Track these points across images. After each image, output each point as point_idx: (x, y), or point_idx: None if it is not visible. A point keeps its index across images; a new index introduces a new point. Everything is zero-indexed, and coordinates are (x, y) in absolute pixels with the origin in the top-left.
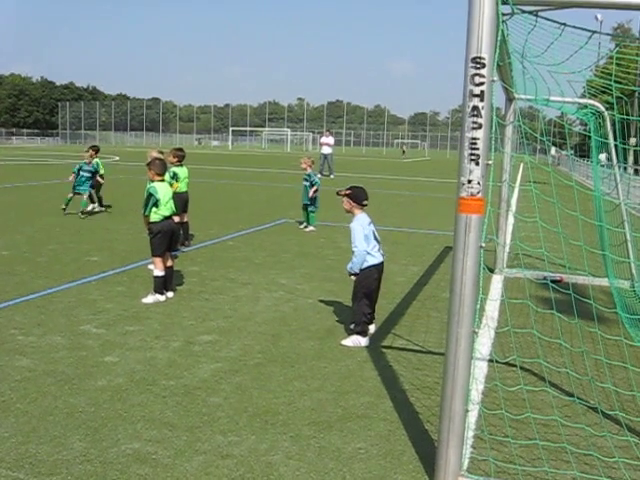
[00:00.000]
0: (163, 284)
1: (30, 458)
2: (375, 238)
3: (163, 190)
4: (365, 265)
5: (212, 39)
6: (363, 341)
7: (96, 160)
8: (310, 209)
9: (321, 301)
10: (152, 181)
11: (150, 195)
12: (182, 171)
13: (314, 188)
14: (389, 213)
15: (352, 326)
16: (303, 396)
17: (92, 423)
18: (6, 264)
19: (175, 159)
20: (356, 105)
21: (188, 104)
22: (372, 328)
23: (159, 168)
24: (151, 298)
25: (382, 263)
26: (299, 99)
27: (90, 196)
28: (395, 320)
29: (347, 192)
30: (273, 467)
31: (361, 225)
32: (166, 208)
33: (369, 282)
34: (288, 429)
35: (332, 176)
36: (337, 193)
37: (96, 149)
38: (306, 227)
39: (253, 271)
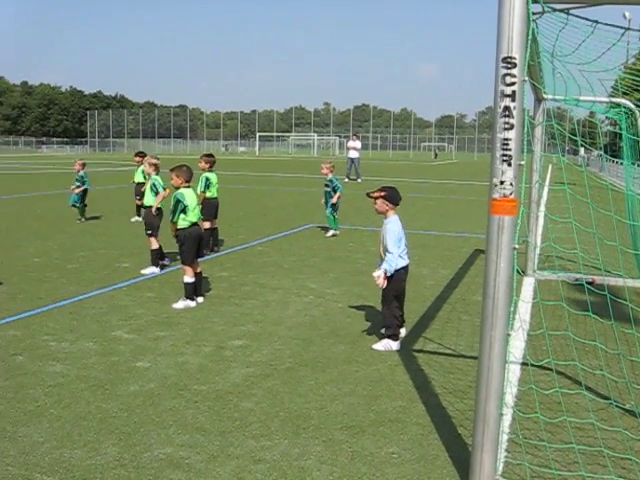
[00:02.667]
0: (193, 290)
1: (64, 463)
2: (405, 242)
3: (191, 196)
4: (400, 266)
5: (238, 45)
6: (394, 345)
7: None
8: (331, 213)
9: (351, 305)
10: (178, 188)
11: (178, 202)
12: (213, 177)
13: (337, 194)
14: (418, 216)
15: (383, 330)
16: (335, 400)
17: (125, 428)
18: (38, 271)
19: (207, 165)
20: (382, 109)
21: (215, 110)
22: (403, 332)
23: (186, 175)
24: (182, 304)
25: (408, 266)
26: (325, 104)
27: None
28: (426, 324)
29: (382, 194)
30: (306, 472)
31: (398, 227)
32: (194, 214)
33: (399, 285)
34: (320, 433)
35: (359, 180)
36: (368, 195)
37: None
38: (327, 232)
39: (282, 276)
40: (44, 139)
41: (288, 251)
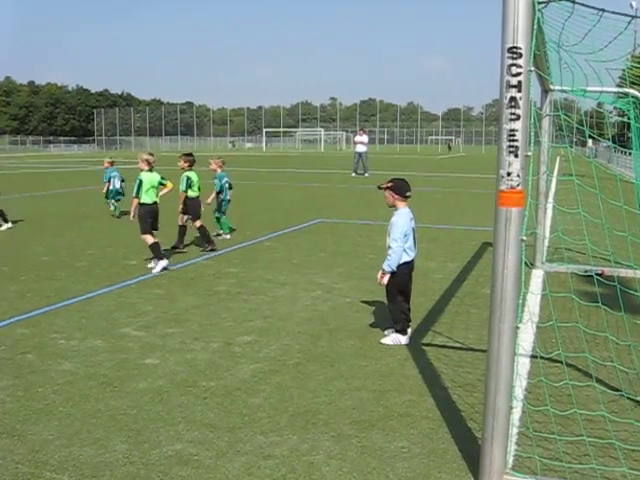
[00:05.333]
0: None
1: (74, 460)
2: (413, 236)
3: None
4: (403, 261)
5: (243, 41)
6: (403, 339)
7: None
8: (216, 215)
9: (359, 300)
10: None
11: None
12: (194, 175)
13: (212, 195)
14: (426, 210)
15: (394, 326)
16: (344, 395)
17: (134, 425)
18: (47, 269)
19: (187, 164)
20: (389, 103)
21: (221, 107)
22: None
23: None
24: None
25: (413, 260)
26: (332, 99)
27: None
28: (434, 317)
29: (388, 185)
30: (315, 467)
31: (403, 220)
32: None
33: (401, 280)
34: (329, 429)
35: (367, 174)
36: (379, 187)
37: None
38: (219, 235)
39: (291, 271)
40: (51, 138)
41: (296, 246)
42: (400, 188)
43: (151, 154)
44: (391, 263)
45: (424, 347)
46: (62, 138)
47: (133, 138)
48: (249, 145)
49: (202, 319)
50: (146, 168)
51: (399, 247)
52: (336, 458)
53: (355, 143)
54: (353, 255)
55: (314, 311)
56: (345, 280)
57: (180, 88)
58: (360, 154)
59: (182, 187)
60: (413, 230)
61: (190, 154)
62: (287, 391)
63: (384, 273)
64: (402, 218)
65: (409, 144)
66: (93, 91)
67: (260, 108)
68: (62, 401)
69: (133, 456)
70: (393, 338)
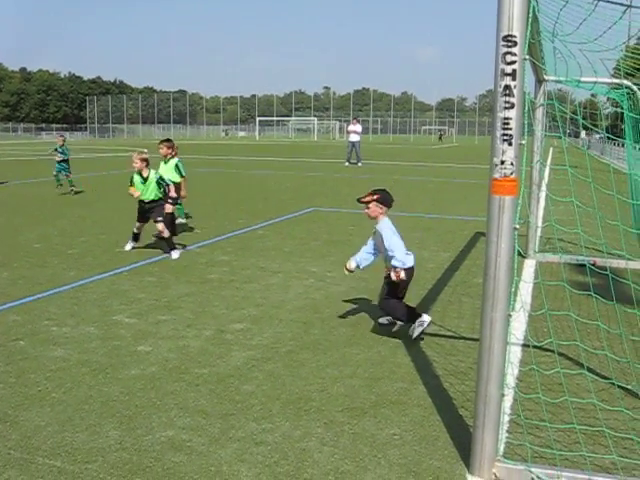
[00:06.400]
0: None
1: (66, 446)
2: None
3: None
4: (407, 265)
5: (237, 29)
6: (426, 318)
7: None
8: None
9: (352, 288)
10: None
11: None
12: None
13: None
14: (419, 200)
15: (408, 327)
16: (336, 383)
17: (126, 412)
18: (39, 256)
19: (173, 150)
20: (382, 92)
21: (215, 95)
22: (425, 317)
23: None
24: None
25: (414, 267)
26: (325, 88)
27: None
28: (427, 306)
29: (375, 197)
30: (307, 453)
31: (391, 228)
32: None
33: (406, 284)
34: (322, 415)
35: (360, 164)
36: (358, 200)
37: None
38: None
39: (283, 259)
40: (43, 125)
41: (289, 235)
42: (386, 199)
43: (144, 152)
44: (399, 257)
45: None
46: (54, 125)
47: (126, 126)
48: (242, 134)
49: (195, 306)
50: (144, 167)
51: (398, 241)
52: (328, 445)
53: (348, 132)
54: (346, 244)
55: (307, 299)
56: (338, 268)
57: (173, 76)
58: (353, 143)
59: (183, 172)
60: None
61: (170, 140)
62: (279, 378)
63: (397, 270)
64: (389, 226)
65: (402, 134)
66: (85, 78)
67: (253, 97)
68: (54, 387)
69: (125, 442)
70: (417, 327)
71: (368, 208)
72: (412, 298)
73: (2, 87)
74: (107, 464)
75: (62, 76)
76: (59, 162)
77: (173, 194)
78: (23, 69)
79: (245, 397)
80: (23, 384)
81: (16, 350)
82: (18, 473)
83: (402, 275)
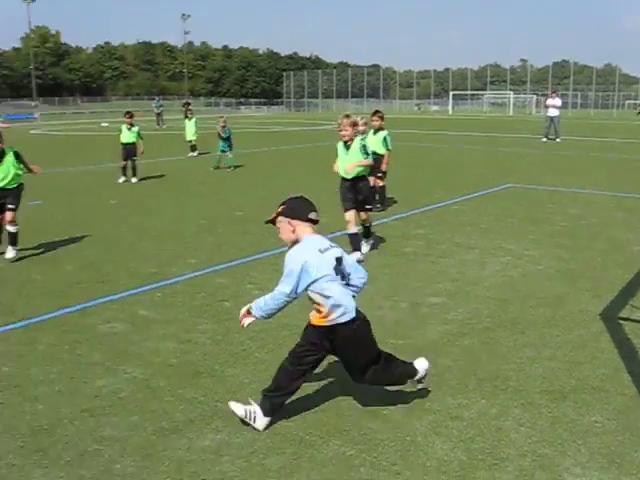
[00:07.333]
0: None
1: None
2: (345, 279)
3: None
4: (336, 321)
5: (431, 4)
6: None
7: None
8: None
9: (552, 268)
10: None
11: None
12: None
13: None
14: (625, 178)
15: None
16: (534, 364)
17: (324, 374)
18: (241, 224)
19: (382, 121)
20: (584, 65)
21: (408, 69)
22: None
23: None
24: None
25: (356, 320)
26: (522, 60)
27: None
28: (633, 291)
29: (279, 209)
30: (504, 432)
31: (302, 259)
32: None
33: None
34: (519, 396)
35: (558, 140)
36: (266, 223)
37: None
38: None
39: (479, 236)
40: (242, 100)
41: (485, 211)
42: (296, 209)
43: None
44: (261, 311)
45: (621, 321)
46: (252, 100)
47: (320, 100)
48: (435, 108)
49: (391, 278)
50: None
51: (280, 293)
52: (525, 426)
53: (547, 107)
54: (545, 222)
55: (503, 277)
56: (536, 247)
57: (367, 51)
58: (552, 118)
59: (390, 146)
60: (341, 267)
61: (381, 111)
62: (475, 355)
63: (247, 313)
64: (300, 256)
65: (605, 109)
66: (282, 54)
67: (447, 70)
68: (257, 347)
69: (324, 405)
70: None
71: (278, 229)
72: (617, 281)
73: (206, 64)
74: (306, 423)
75: (261, 52)
76: (223, 140)
77: (384, 167)
78: (225, 47)
79: (441, 370)
80: (229, 342)
81: (222, 310)
82: (224, 424)
83: (244, 322)
